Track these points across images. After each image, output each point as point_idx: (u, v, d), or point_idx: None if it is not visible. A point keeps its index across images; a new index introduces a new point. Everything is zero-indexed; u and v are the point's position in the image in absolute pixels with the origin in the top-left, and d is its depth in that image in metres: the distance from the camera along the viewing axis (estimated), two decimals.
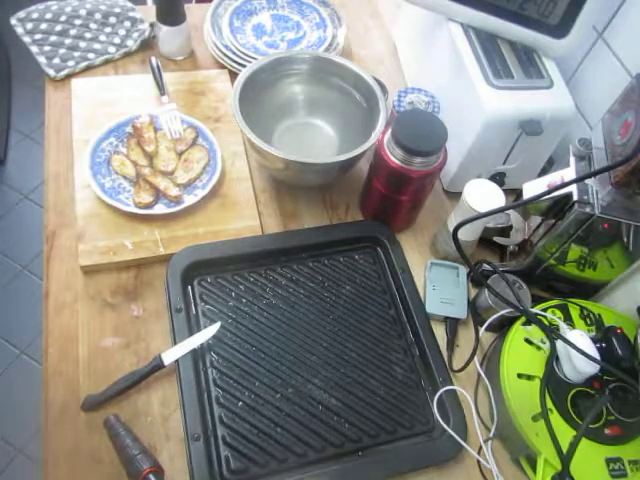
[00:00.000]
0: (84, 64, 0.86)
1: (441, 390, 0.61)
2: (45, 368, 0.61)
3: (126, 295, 0.66)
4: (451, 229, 0.65)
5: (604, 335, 0.60)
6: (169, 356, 0.60)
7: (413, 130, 0.65)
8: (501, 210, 0.62)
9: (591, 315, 0.64)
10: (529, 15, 0.70)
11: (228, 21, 0.89)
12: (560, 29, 0.70)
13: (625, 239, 0.63)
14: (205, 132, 0.78)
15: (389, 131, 0.66)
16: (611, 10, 0.69)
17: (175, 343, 0.61)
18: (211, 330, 0.62)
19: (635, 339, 0.59)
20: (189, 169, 0.75)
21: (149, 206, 0.70)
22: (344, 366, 0.63)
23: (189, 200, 0.71)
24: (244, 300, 0.66)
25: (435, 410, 0.60)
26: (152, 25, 0.89)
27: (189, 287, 0.66)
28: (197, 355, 0.61)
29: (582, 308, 0.65)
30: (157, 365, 0.59)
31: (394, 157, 0.65)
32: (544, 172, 0.77)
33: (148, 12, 0.91)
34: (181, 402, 0.57)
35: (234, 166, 0.78)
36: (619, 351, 0.58)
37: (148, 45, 0.91)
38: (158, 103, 0.81)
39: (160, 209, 0.71)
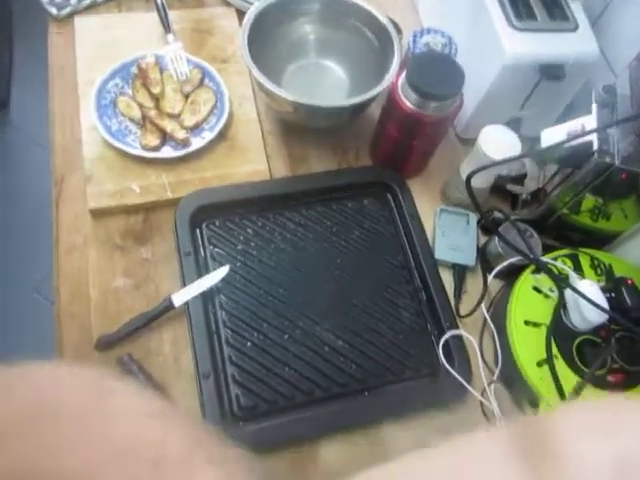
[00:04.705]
0: (87, 2, 0.82)
1: (447, 334, 0.61)
2: (57, 309, 0.62)
3: (135, 238, 0.66)
4: (464, 176, 0.64)
5: (614, 285, 0.60)
6: (179, 298, 0.60)
7: (429, 73, 0.62)
8: (518, 158, 0.61)
9: (602, 265, 0.64)
10: None
11: None
12: None
13: None
14: (212, 73, 0.75)
15: (403, 74, 0.63)
16: None
17: (184, 286, 0.61)
18: (220, 273, 0.62)
19: None
20: (196, 111, 0.73)
21: (156, 149, 0.69)
22: (351, 309, 0.63)
23: (196, 143, 0.70)
24: (252, 244, 0.66)
25: (440, 353, 0.61)
26: None
27: (197, 230, 0.66)
28: (206, 297, 0.62)
29: (593, 258, 0.64)
30: (168, 306, 0.60)
31: (408, 101, 0.63)
32: (561, 120, 0.74)
33: None
34: (191, 342, 0.58)
35: (242, 108, 0.76)
36: (628, 301, 0.58)
37: None
38: (163, 42, 0.78)
39: (167, 152, 0.70)
